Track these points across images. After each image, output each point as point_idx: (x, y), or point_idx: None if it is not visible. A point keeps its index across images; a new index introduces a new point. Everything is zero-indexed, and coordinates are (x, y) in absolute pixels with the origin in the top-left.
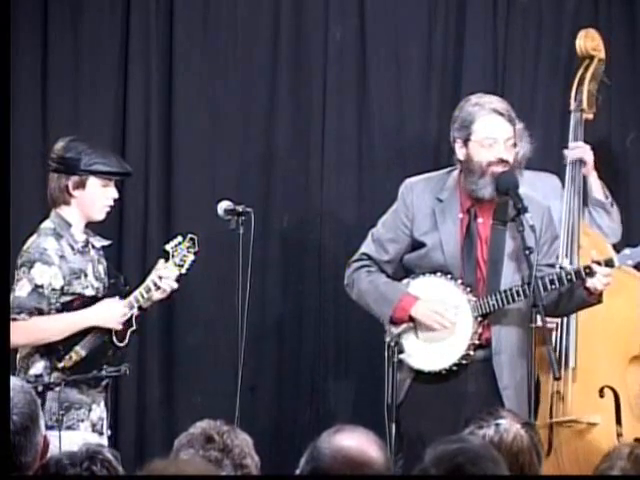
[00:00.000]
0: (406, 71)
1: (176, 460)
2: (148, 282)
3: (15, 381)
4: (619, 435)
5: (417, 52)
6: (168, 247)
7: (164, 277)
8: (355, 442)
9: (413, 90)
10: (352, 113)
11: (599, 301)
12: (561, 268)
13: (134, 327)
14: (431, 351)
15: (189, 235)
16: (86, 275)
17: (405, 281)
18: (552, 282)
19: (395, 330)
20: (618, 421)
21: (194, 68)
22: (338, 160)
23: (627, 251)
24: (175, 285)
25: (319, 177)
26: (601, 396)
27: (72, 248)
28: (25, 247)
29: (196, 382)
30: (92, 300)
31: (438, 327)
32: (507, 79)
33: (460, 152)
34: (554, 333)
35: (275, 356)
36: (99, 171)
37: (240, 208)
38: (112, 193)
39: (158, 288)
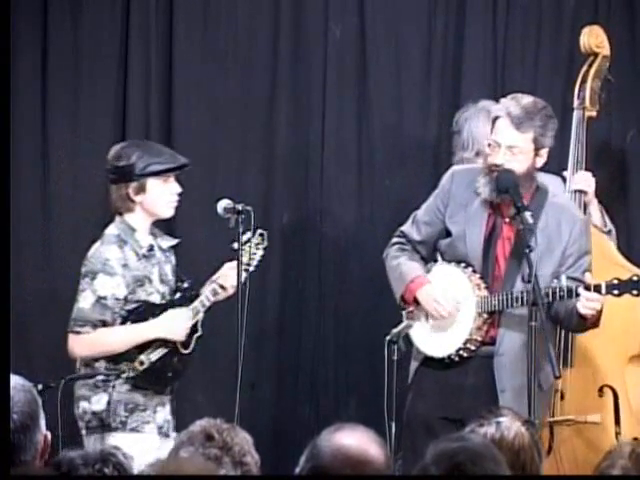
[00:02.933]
0: (406, 71)
1: (176, 458)
2: (214, 285)
3: (16, 380)
4: (618, 434)
5: (417, 52)
6: (236, 245)
7: (229, 277)
8: (355, 440)
9: (413, 90)
10: (352, 113)
11: (594, 325)
12: (557, 279)
13: (200, 333)
14: (435, 338)
15: (258, 230)
16: (151, 281)
17: (428, 265)
18: (547, 295)
19: (395, 329)
20: (617, 420)
21: (194, 68)
22: (338, 160)
23: (615, 281)
24: (234, 283)
25: (319, 177)
26: (600, 395)
27: (136, 254)
28: (89, 255)
29: (196, 381)
30: (156, 307)
31: (436, 315)
32: (507, 79)
33: (487, 150)
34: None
35: (275, 355)
36: (154, 172)
37: (240, 207)
38: (174, 188)
39: (223, 289)
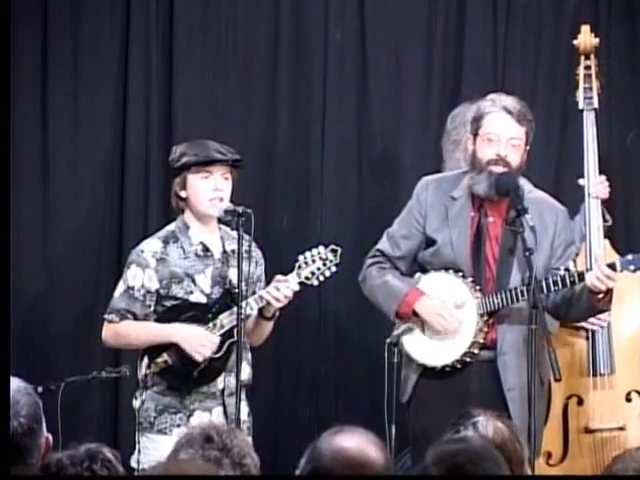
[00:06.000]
0: (406, 71)
1: (176, 460)
2: (261, 293)
3: (18, 383)
4: None
5: (417, 52)
6: (301, 257)
7: (281, 289)
8: (355, 443)
9: (413, 91)
10: (352, 113)
11: (608, 307)
12: (566, 270)
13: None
14: (435, 346)
15: (331, 246)
16: (193, 280)
17: (417, 275)
18: (555, 283)
19: (395, 331)
20: None
21: (194, 68)
22: (338, 160)
23: (630, 256)
24: (290, 294)
25: (319, 177)
26: (628, 400)
27: (183, 251)
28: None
29: None
30: (193, 306)
31: (441, 329)
32: (507, 79)
33: (470, 148)
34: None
35: (275, 356)
36: (187, 164)
37: (240, 209)
38: (214, 184)
39: (276, 299)
